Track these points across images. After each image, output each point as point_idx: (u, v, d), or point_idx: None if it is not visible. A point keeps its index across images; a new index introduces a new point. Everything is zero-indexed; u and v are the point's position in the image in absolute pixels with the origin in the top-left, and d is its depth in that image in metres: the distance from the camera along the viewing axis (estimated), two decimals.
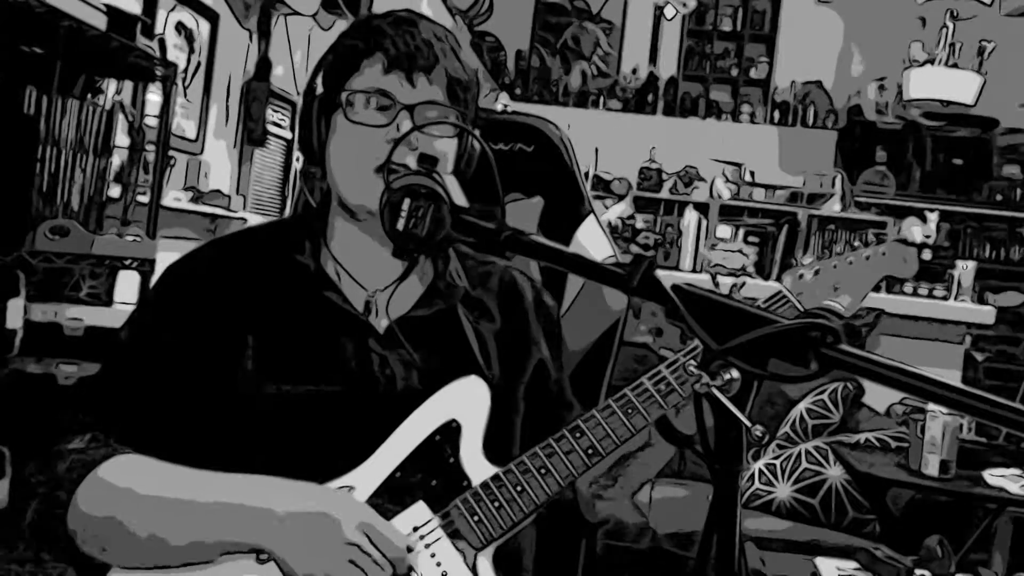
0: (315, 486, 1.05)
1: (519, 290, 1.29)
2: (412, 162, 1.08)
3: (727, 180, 6.33)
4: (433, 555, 1.06)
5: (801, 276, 1.24)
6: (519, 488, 1.08)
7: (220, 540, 1.02)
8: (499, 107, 5.69)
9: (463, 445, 1.10)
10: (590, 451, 1.09)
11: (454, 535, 1.07)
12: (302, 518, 1.00)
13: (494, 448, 1.12)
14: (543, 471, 1.08)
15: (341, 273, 1.18)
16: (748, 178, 6.43)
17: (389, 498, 1.08)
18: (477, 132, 1.21)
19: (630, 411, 1.10)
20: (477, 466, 1.10)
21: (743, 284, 1.34)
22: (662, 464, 1.19)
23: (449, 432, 1.10)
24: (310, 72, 1.20)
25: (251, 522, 1.01)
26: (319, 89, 1.17)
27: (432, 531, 1.07)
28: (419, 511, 1.08)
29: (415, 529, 1.07)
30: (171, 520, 1.03)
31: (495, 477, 1.09)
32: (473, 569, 1.07)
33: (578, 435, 1.10)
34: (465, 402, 1.12)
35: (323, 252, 1.19)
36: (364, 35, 1.15)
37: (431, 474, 1.09)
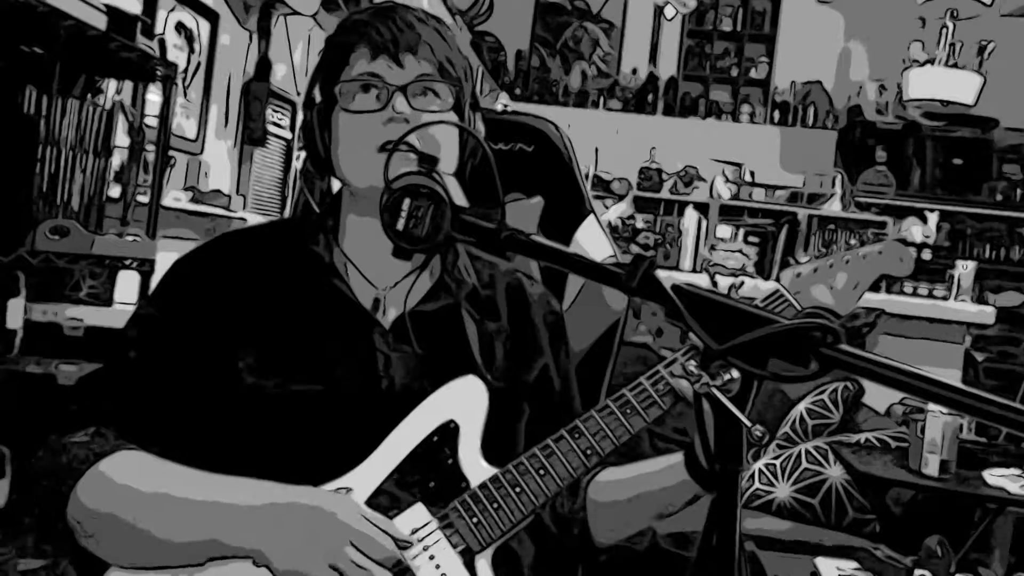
0: (309, 489, 1.04)
1: (526, 294, 1.29)
2: (414, 140, 1.09)
3: (727, 180, 6.34)
4: (432, 557, 1.06)
5: (799, 275, 1.24)
6: (518, 489, 1.08)
7: (211, 540, 1.01)
8: (499, 107, 5.69)
9: (461, 446, 1.10)
10: (588, 452, 1.09)
11: (452, 536, 1.07)
12: (289, 520, 0.99)
13: (496, 450, 1.11)
14: (542, 472, 1.08)
15: (351, 270, 1.18)
16: (748, 178, 6.43)
17: (387, 499, 1.07)
18: (480, 122, 1.22)
19: (628, 412, 1.10)
20: (475, 467, 1.09)
21: (741, 284, 1.34)
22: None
23: (447, 433, 1.10)
24: (307, 83, 1.21)
25: (241, 523, 1.01)
26: (317, 98, 1.19)
27: (430, 533, 1.07)
28: (417, 512, 1.07)
29: (414, 531, 1.06)
30: (166, 518, 1.03)
31: (494, 478, 1.08)
32: (472, 571, 1.07)
33: (576, 436, 1.09)
34: (463, 403, 1.12)
35: (335, 249, 1.20)
36: (347, 31, 1.17)
37: (429, 475, 1.09)
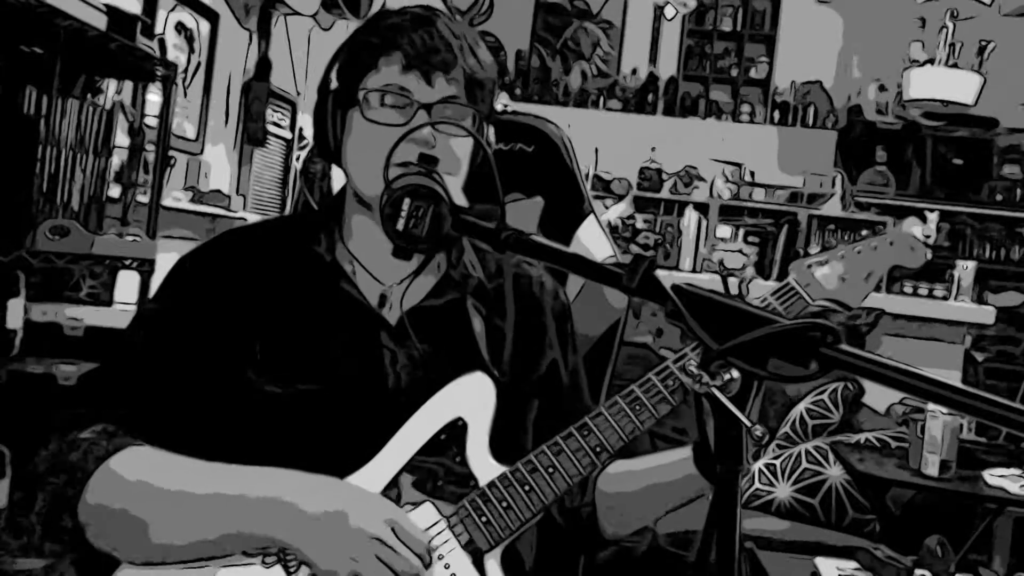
0: (336, 480, 1.04)
1: (534, 286, 1.28)
2: (428, 150, 1.08)
3: (727, 180, 6.33)
4: (441, 556, 1.05)
5: (809, 267, 1.24)
6: (527, 488, 1.07)
7: (239, 533, 1.01)
8: (499, 107, 5.68)
9: (469, 444, 1.09)
10: (598, 449, 1.09)
11: (462, 536, 1.06)
12: (325, 512, 0.99)
13: (504, 446, 1.11)
14: (551, 470, 1.08)
15: (357, 267, 1.18)
16: (748, 178, 6.43)
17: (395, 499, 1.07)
18: (491, 132, 1.20)
19: (638, 408, 1.10)
20: (484, 465, 1.09)
21: (753, 278, 1.34)
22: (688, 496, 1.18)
23: (455, 431, 1.09)
24: (324, 66, 1.18)
25: (273, 516, 1.00)
26: (334, 84, 1.16)
27: (440, 532, 1.06)
28: (426, 512, 1.07)
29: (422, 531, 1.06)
30: (186, 512, 1.02)
31: (502, 477, 1.08)
32: (481, 570, 1.06)
33: (586, 433, 1.09)
34: (470, 399, 1.11)
35: (339, 247, 1.19)
36: (381, 32, 1.14)
37: (438, 474, 1.08)
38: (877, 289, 1.26)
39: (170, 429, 1.09)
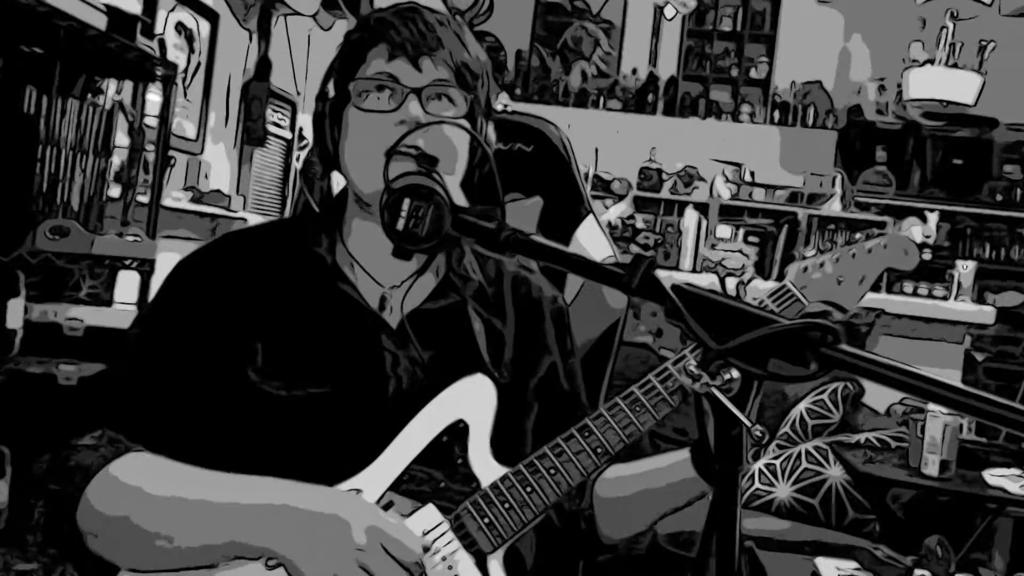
0: (327, 488, 1.04)
1: (532, 291, 1.28)
2: (423, 144, 1.08)
3: (727, 180, 6.33)
4: (444, 558, 1.05)
5: (805, 269, 1.24)
6: (529, 489, 1.07)
7: (229, 541, 1.00)
8: (499, 107, 5.68)
9: (471, 445, 1.09)
10: (599, 450, 1.09)
11: (464, 537, 1.06)
12: (313, 520, 0.99)
13: (504, 448, 1.10)
14: (553, 471, 1.08)
15: (357, 269, 1.17)
16: (748, 178, 6.43)
17: (397, 500, 1.07)
18: (491, 130, 1.20)
19: (638, 409, 1.10)
20: (485, 467, 1.09)
21: (751, 279, 1.34)
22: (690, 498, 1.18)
23: (457, 432, 1.09)
24: (321, 78, 1.19)
25: (261, 524, 1.00)
26: (331, 93, 1.17)
27: (442, 534, 1.06)
28: (428, 514, 1.07)
29: (425, 533, 1.06)
30: (181, 520, 1.02)
31: (504, 478, 1.08)
32: (484, 572, 1.06)
33: (587, 434, 1.09)
34: (472, 401, 1.11)
35: (339, 248, 1.19)
36: (368, 28, 1.15)
37: (440, 476, 1.08)
38: (877, 289, 1.26)
39: (171, 434, 1.09)
